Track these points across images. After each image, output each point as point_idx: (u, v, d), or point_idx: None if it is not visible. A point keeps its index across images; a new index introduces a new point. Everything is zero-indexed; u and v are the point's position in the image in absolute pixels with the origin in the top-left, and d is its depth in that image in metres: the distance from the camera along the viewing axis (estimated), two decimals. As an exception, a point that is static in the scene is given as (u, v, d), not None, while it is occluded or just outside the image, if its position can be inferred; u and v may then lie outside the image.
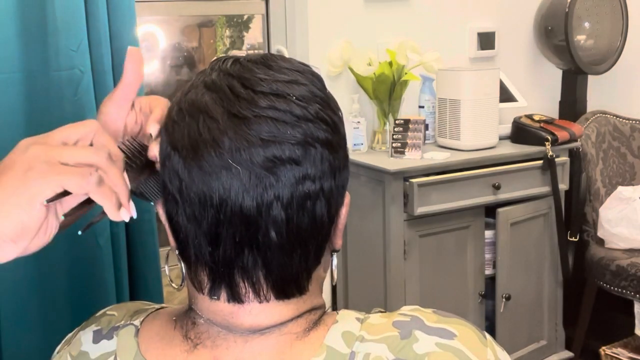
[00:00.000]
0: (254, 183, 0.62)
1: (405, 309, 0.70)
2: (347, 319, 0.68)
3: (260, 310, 0.67)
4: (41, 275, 1.22)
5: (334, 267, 0.72)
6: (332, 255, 0.72)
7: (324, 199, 0.66)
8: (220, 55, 0.71)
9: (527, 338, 2.57)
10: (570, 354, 2.69)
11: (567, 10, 2.74)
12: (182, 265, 0.70)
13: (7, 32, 1.16)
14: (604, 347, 2.65)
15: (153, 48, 2.41)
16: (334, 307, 2.58)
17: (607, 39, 2.89)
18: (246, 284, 0.66)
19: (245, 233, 0.64)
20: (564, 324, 2.68)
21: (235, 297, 0.66)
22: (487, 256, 2.44)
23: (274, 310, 0.67)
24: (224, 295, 0.67)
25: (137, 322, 0.73)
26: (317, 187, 0.65)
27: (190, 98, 0.66)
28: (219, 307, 0.67)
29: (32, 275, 1.22)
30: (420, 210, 2.21)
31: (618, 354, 2.62)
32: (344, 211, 0.70)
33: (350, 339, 0.66)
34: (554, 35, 2.85)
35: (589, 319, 2.73)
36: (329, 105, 0.68)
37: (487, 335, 0.70)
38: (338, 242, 0.72)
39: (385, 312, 0.71)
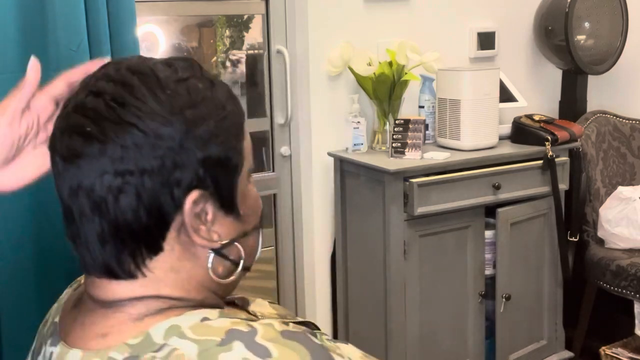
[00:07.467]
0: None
1: (268, 320, 0.71)
2: (197, 315, 0.70)
3: (98, 284, 0.75)
4: (41, 275, 1.22)
5: (209, 265, 0.75)
6: (208, 254, 0.74)
7: (133, 194, 0.69)
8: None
9: (527, 338, 2.57)
10: (570, 354, 2.69)
11: (567, 10, 2.74)
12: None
13: (7, 32, 1.16)
14: (604, 347, 2.65)
15: (153, 48, 2.40)
16: (334, 307, 2.57)
17: (607, 39, 2.88)
18: (86, 259, 0.74)
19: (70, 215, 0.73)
20: (564, 324, 2.68)
21: (85, 268, 0.76)
22: (487, 256, 2.44)
23: (108, 287, 0.74)
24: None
25: None
26: (121, 181, 0.69)
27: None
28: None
29: (32, 275, 1.22)
30: (420, 210, 2.21)
31: (618, 354, 2.62)
32: (186, 208, 0.71)
33: (172, 332, 0.69)
34: (554, 35, 2.85)
35: (589, 319, 2.73)
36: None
37: None
38: (198, 239, 0.73)
39: (291, 317, 0.76)
